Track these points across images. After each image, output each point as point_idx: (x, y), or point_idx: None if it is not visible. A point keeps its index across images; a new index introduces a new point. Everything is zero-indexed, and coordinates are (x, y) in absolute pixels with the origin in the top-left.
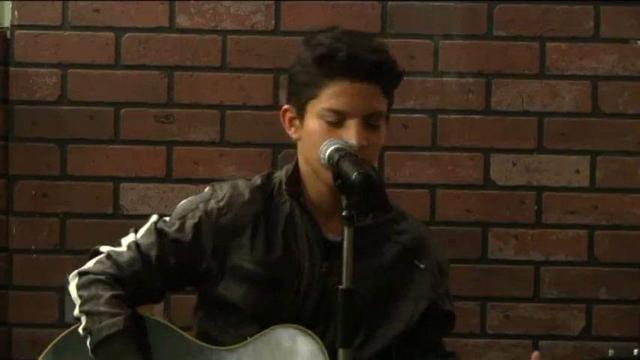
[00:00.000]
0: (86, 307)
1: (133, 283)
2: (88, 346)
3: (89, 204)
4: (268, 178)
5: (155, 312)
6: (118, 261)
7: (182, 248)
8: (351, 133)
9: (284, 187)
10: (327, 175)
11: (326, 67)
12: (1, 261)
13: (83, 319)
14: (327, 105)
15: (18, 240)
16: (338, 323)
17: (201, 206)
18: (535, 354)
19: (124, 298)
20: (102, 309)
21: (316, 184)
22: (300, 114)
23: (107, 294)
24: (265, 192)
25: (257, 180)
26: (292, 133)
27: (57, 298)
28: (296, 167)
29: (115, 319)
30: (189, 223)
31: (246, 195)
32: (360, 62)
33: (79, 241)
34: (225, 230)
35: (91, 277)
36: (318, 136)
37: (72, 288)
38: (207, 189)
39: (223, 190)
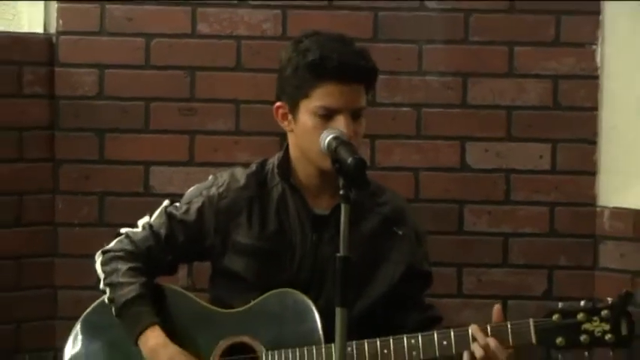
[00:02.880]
0: (108, 280)
1: (147, 257)
2: (113, 312)
3: (123, 184)
4: (262, 164)
5: (179, 277)
6: (133, 239)
7: (188, 228)
8: (341, 127)
9: (276, 171)
10: (324, 161)
11: (318, 72)
12: (48, 233)
13: (107, 290)
14: (320, 103)
15: (63, 215)
16: (336, 286)
17: (204, 192)
18: (496, 307)
19: (139, 270)
20: (121, 280)
21: (306, 168)
22: (293, 110)
23: (124, 267)
24: (259, 177)
25: (252, 167)
26: (286, 126)
27: None
28: (286, 153)
29: (131, 287)
30: (194, 207)
31: (242, 181)
32: (349, 67)
33: (115, 216)
34: (224, 212)
35: (111, 254)
36: (312, 129)
37: (97, 265)
38: (210, 177)
39: (223, 177)
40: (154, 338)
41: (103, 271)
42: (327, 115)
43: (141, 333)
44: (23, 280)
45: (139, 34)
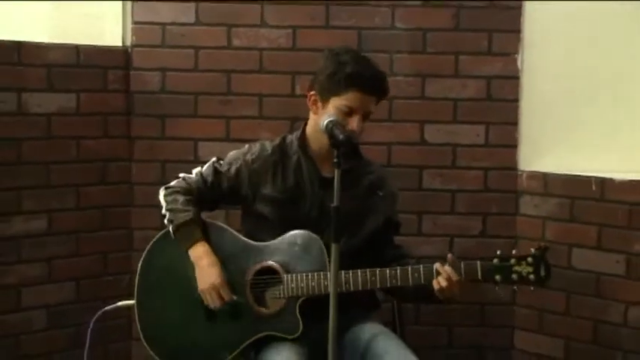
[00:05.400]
0: (169, 207)
1: (196, 194)
2: (171, 230)
3: (179, 155)
4: (284, 138)
5: (220, 219)
6: (188, 181)
7: (228, 180)
8: (355, 123)
9: (295, 142)
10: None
11: (352, 82)
12: (126, 190)
13: (167, 214)
14: (346, 103)
15: (136, 177)
16: (331, 228)
17: (241, 157)
18: (449, 256)
19: (192, 201)
20: (179, 207)
21: (318, 142)
22: (324, 101)
23: (181, 198)
24: (282, 147)
25: (277, 140)
26: (314, 109)
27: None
28: (304, 131)
29: (186, 213)
30: (234, 167)
31: (269, 150)
32: (375, 85)
33: (173, 178)
34: (256, 172)
35: (172, 189)
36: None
37: (160, 197)
38: (246, 146)
39: (256, 147)
40: (201, 248)
41: (165, 201)
42: (347, 112)
43: (192, 245)
44: (108, 223)
45: (190, 47)
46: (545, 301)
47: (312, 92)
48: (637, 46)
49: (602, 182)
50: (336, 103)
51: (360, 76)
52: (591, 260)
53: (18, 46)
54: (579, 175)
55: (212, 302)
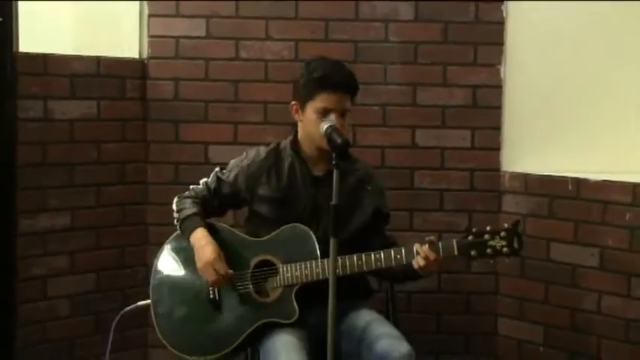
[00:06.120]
0: (178, 209)
1: (202, 200)
2: (178, 228)
3: (191, 156)
4: (278, 144)
5: (228, 217)
6: (196, 190)
7: (229, 186)
8: (333, 121)
9: (288, 146)
10: (322, 141)
11: (321, 85)
12: (142, 189)
13: (177, 215)
14: (321, 105)
15: (152, 177)
16: (331, 223)
17: (239, 164)
18: (426, 238)
19: (198, 203)
20: (185, 206)
21: (308, 145)
22: (302, 108)
23: (189, 201)
24: (276, 151)
25: (271, 145)
26: (297, 117)
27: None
28: (295, 136)
29: (191, 210)
30: (232, 174)
31: (263, 155)
32: (342, 84)
33: (185, 178)
34: (252, 176)
35: (182, 197)
36: (314, 121)
37: (174, 204)
38: (244, 153)
39: (251, 153)
40: (199, 233)
41: (176, 205)
42: (324, 113)
43: (191, 232)
44: (125, 219)
45: (201, 58)
46: (525, 290)
47: (293, 102)
48: (609, 56)
49: (578, 182)
50: (312, 107)
51: (326, 78)
52: (568, 253)
53: (44, 58)
54: (557, 176)
55: (209, 277)
